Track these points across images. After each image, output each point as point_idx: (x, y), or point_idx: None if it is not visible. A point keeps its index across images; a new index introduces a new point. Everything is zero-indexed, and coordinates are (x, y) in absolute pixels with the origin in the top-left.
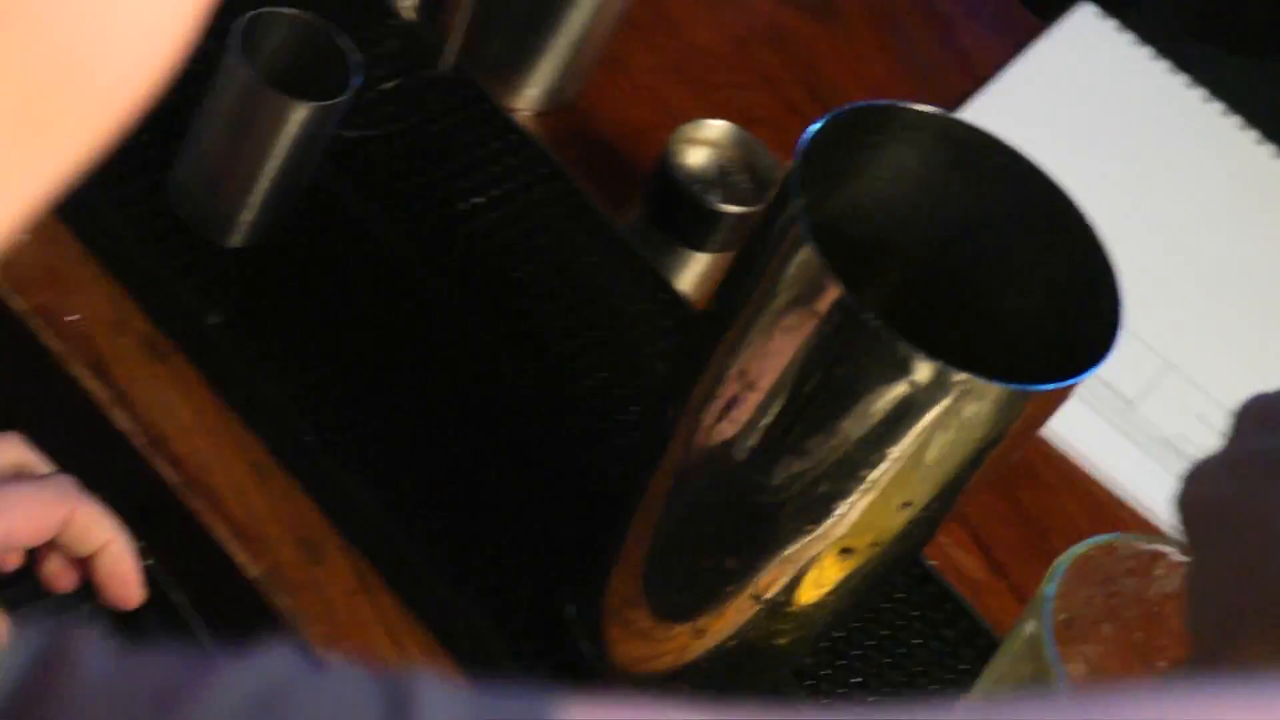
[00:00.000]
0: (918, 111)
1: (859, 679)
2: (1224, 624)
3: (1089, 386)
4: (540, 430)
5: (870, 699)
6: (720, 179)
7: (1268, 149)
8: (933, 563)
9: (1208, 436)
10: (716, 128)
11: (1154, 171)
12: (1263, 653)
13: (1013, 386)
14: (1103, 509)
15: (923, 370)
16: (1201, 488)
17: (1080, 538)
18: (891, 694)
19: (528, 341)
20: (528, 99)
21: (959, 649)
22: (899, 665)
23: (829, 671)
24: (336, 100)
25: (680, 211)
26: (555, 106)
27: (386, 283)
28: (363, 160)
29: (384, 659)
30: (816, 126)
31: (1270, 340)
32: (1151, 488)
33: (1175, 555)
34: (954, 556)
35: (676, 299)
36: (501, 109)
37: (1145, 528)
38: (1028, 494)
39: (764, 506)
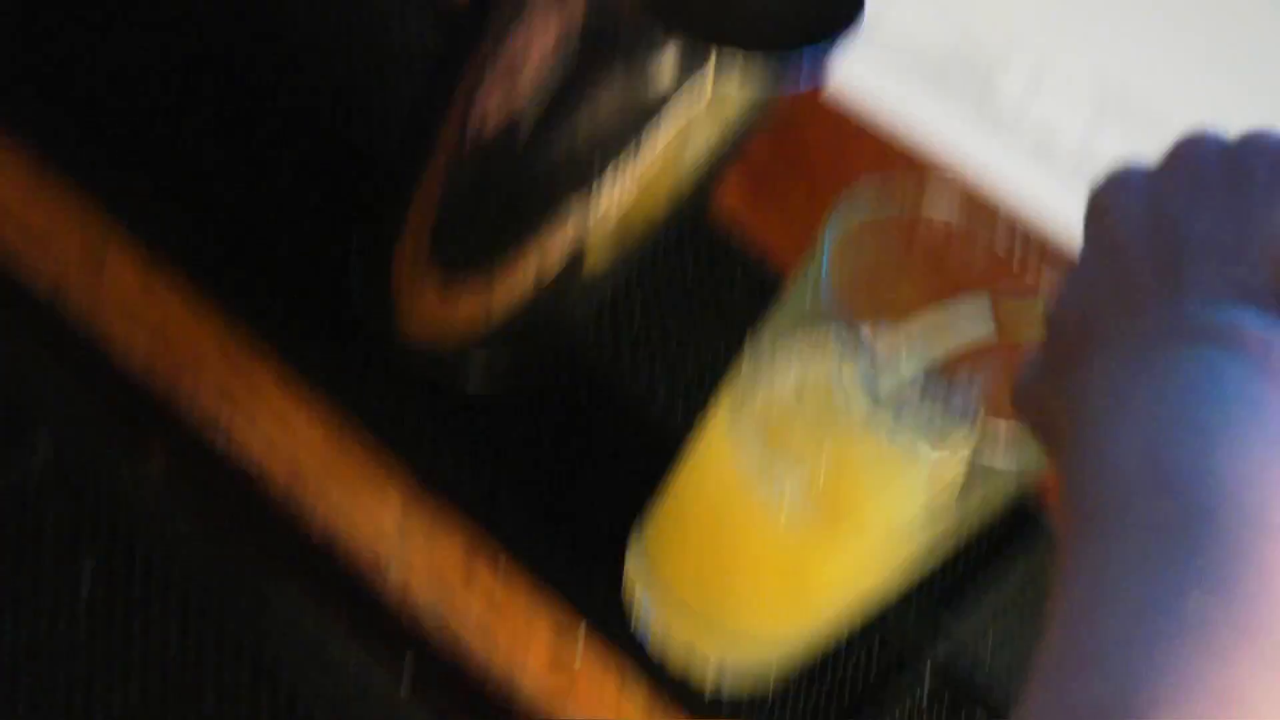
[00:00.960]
0: None
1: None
2: (1084, 318)
3: None
4: (306, 107)
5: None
6: None
7: None
8: None
9: None
10: None
11: None
12: (1109, 333)
13: (776, 56)
14: (854, 137)
15: (683, 51)
16: (1119, 199)
17: (834, 159)
18: (669, 329)
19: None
20: None
21: (727, 273)
22: (675, 303)
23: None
24: None
25: None
26: None
27: None
28: None
29: (184, 337)
30: None
31: None
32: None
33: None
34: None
35: None
36: None
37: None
38: None
39: (542, 189)
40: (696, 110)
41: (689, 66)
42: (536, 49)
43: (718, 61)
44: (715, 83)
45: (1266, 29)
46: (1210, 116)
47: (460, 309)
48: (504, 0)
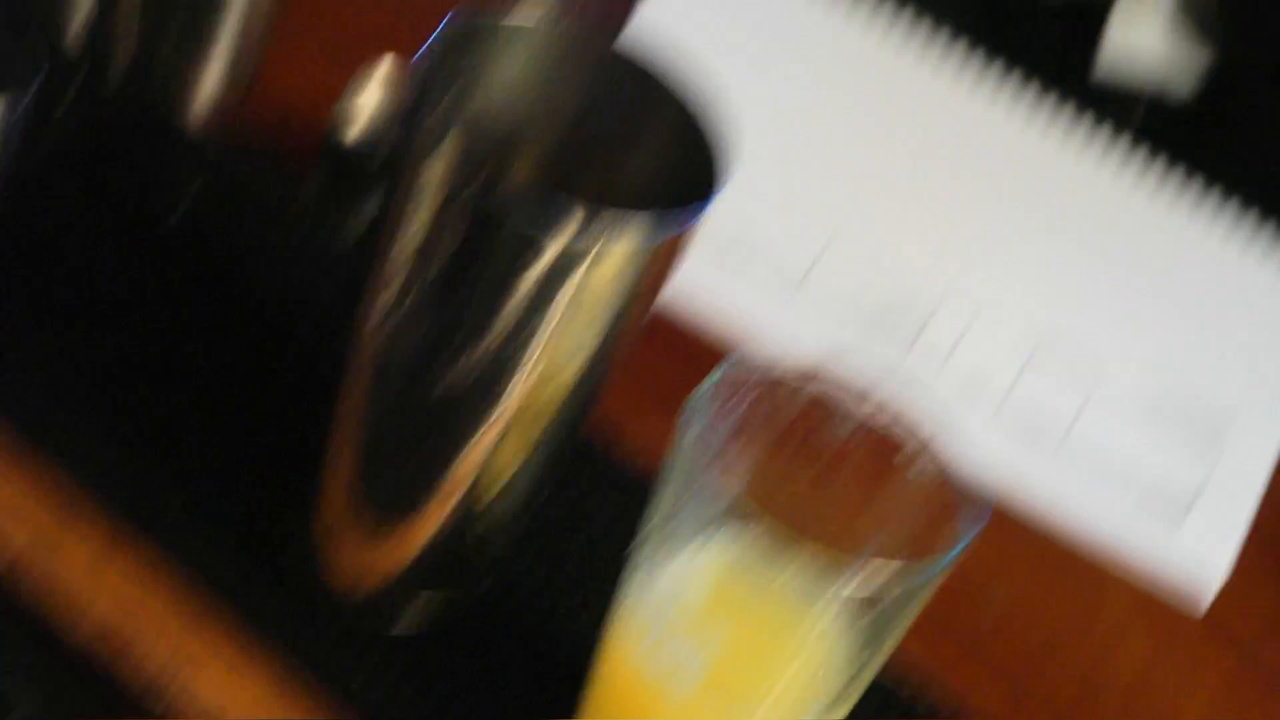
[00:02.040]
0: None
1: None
2: None
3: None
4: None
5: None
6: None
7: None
8: None
9: None
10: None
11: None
12: None
13: (651, 218)
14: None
15: (570, 222)
16: None
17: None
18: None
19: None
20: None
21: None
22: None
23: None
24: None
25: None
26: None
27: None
28: (47, 193)
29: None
30: (423, 49)
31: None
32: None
33: (793, 380)
34: None
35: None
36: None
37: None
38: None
39: (449, 406)
40: (586, 285)
41: (583, 230)
42: (425, 255)
43: (605, 221)
44: (602, 250)
45: (1203, 282)
46: (1140, 364)
47: (385, 550)
48: (387, 216)
